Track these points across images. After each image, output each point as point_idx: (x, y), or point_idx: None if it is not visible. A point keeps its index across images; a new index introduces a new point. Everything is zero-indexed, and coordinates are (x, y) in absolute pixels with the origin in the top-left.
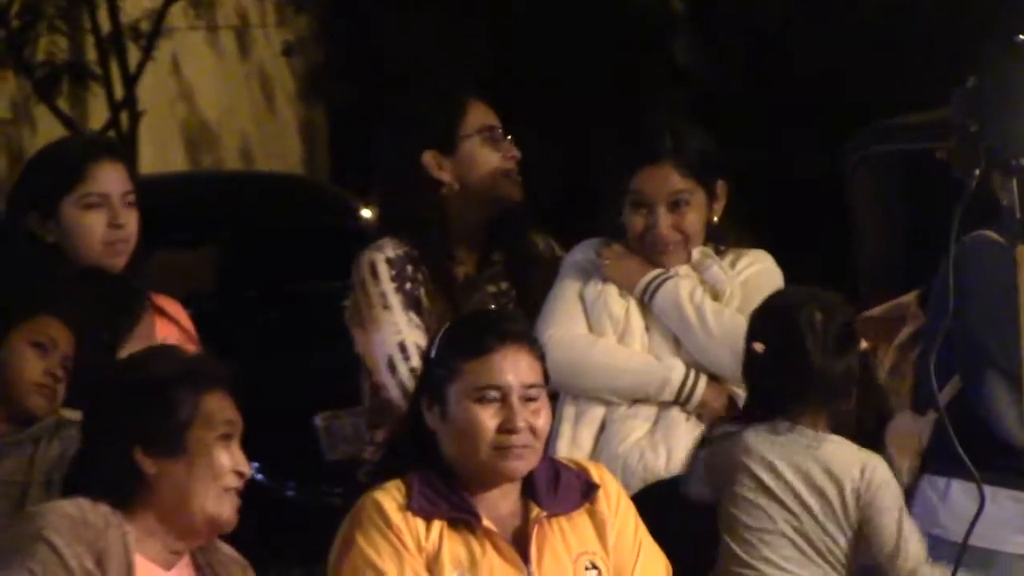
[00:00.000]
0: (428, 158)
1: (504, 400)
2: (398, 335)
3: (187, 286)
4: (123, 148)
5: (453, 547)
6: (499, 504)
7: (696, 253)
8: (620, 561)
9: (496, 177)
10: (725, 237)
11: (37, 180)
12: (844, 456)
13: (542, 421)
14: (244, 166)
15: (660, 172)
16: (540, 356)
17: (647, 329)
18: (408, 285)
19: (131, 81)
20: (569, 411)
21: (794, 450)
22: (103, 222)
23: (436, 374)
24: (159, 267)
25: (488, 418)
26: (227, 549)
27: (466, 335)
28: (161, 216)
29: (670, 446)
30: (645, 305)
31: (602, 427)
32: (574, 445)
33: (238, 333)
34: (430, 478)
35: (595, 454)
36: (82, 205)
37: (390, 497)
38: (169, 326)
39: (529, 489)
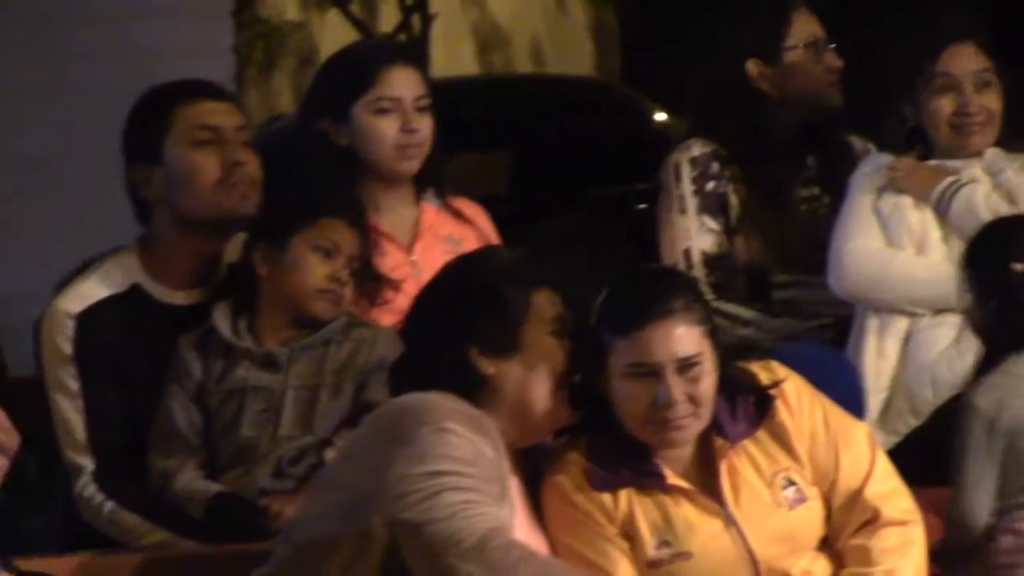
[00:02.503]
0: (751, 67)
1: (658, 375)
2: (686, 240)
3: (481, 190)
4: (416, 52)
5: (646, 511)
6: (682, 450)
7: (989, 153)
8: (821, 464)
9: (819, 87)
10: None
11: (330, 84)
12: None
13: (703, 387)
14: (535, 68)
15: (966, 50)
16: (696, 322)
17: (944, 239)
18: (711, 184)
19: None
20: (873, 323)
21: None
22: (396, 126)
23: (595, 342)
24: (454, 171)
25: (642, 393)
26: None
27: (618, 309)
28: (455, 120)
29: (977, 353)
30: (941, 214)
31: (907, 337)
32: (880, 357)
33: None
34: (605, 445)
35: (902, 365)
36: (374, 110)
37: (570, 480)
38: (466, 228)
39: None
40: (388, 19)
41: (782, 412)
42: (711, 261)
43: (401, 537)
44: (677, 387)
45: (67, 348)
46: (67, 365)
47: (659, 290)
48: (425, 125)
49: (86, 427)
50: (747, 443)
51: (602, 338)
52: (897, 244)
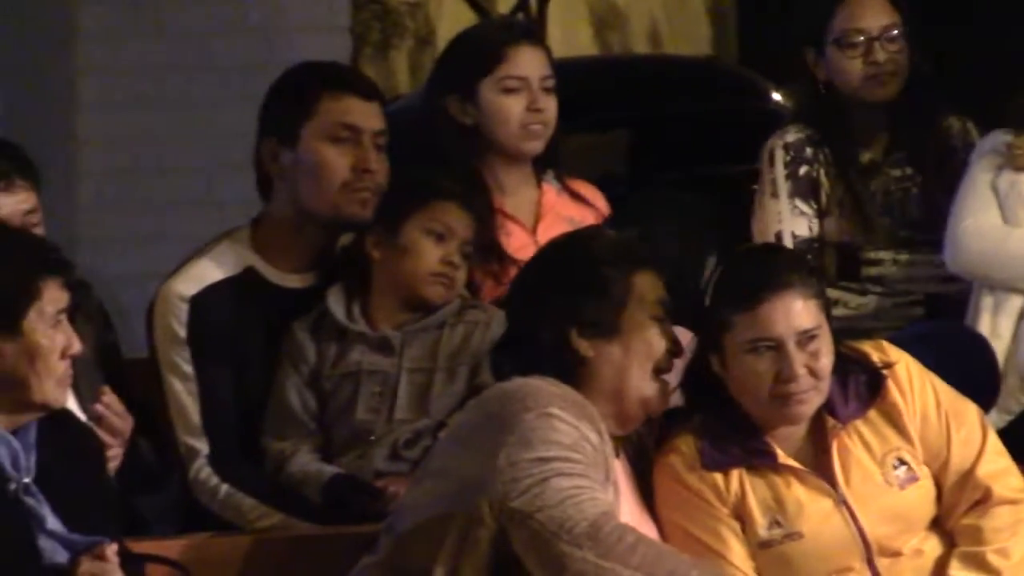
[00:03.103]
0: (808, 55)
1: (779, 349)
2: (778, 224)
3: (598, 170)
4: (540, 32)
5: (757, 491)
6: (794, 430)
7: None
8: (932, 444)
9: (852, 81)
10: None
11: (457, 62)
12: None
13: (823, 361)
14: (652, 48)
15: None
16: (813, 295)
17: None
18: (803, 169)
19: None
20: (987, 301)
21: None
22: (522, 105)
23: (711, 322)
24: (571, 151)
25: (764, 368)
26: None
27: (733, 285)
28: (573, 99)
29: None
30: None
31: (1022, 316)
32: (994, 335)
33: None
34: (715, 427)
35: (1015, 343)
36: (501, 88)
37: (681, 460)
38: (584, 210)
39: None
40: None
41: (893, 392)
42: (803, 244)
43: (510, 525)
44: (799, 360)
45: (181, 331)
46: (181, 348)
47: (775, 264)
48: (551, 105)
49: (200, 410)
50: (858, 423)
51: (717, 316)
52: (1013, 222)
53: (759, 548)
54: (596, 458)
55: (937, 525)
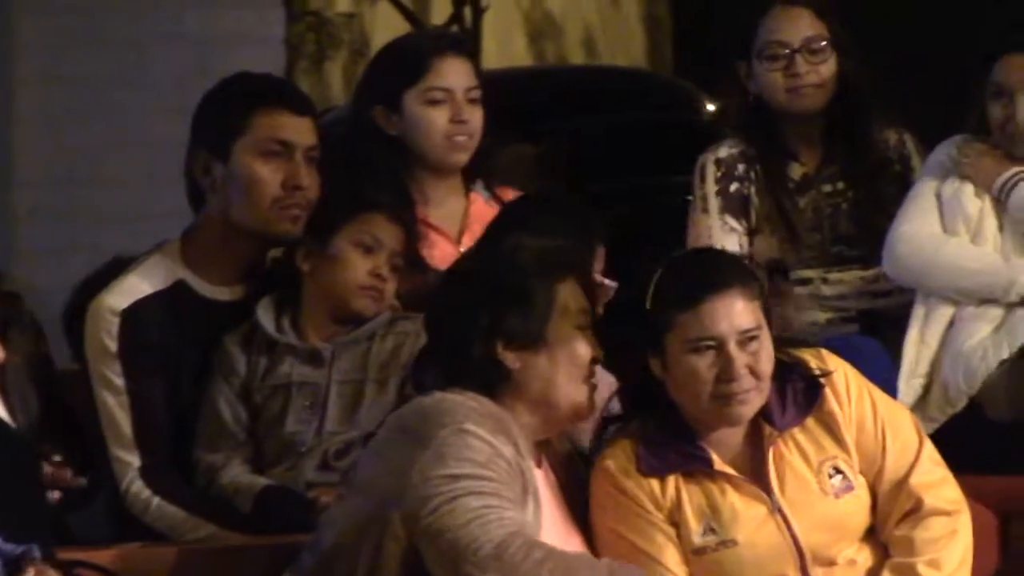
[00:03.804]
0: (740, 68)
1: (721, 348)
2: (708, 239)
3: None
4: (468, 43)
5: (693, 498)
6: (729, 436)
7: None
8: (868, 452)
9: (775, 93)
10: None
11: (383, 73)
12: None
13: (764, 361)
14: (587, 59)
15: (1020, 62)
16: (753, 296)
17: (1000, 229)
18: (734, 186)
19: None
20: (919, 311)
21: None
22: (446, 117)
23: (653, 323)
24: (505, 161)
25: (706, 368)
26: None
27: (675, 285)
28: (507, 111)
29: (1013, 346)
30: (1001, 204)
31: (950, 325)
32: (922, 343)
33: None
34: (653, 432)
35: (940, 351)
36: (425, 99)
37: (618, 465)
38: None
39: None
40: (440, 10)
41: (831, 400)
42: None
43: (421, 541)
44: (740, 360)
45: (112, 345)
46: (112, 361)
47: (717, 265)
48: (475, 117)
49: (132, 423)
50: (795, 431)
51: (660, 316)
52: (952, 230)
53: (693, 555)
54: (511, 473)
55: (871, 535)
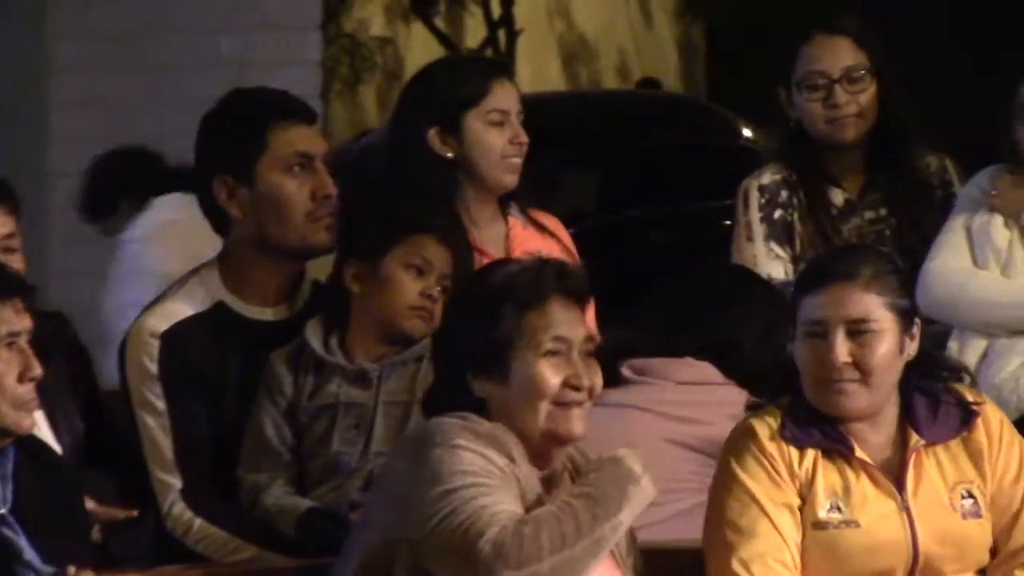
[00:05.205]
0: (781, 94)
1: (826, 335)
2: (754, 266)
3: (568, 205)
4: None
5: (827, 475)
6: (873, 433)
7: None
8: (1003, 497)
9: (816, 122)
10: None
11: (439, 94)
12: None
13: (874, 357)
14: (621, 83)
15: None
16: (881, 292)
17: None
18: (778, 213)
19: None
20: (953, 345)
21: None
22: (505, 138)
23: (793, 306)
24: (540, 185)
25: (813, 353)
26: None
27: (806, 274)
28: (543, 135)
29: None
30: None
31: (982, 358)
32: None
33: (620, 252)
34: (802, 407)
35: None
36: (487, 121)
37: (764, 424)
38: (548, 241)
39: (908, 416)
40: (474, 34)
41: (980, 431)
42: (779, 288)
43: (429, 563)
44: (842, 348)
45: (153, 367)
46: (153, 384)
47: (850, 257)
48: (526, 139)
49: (173, 445)
50: (939, 448)
51: (795, 302)
52: (982, 263)
53: (812, 528)
54: (505, 479)
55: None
